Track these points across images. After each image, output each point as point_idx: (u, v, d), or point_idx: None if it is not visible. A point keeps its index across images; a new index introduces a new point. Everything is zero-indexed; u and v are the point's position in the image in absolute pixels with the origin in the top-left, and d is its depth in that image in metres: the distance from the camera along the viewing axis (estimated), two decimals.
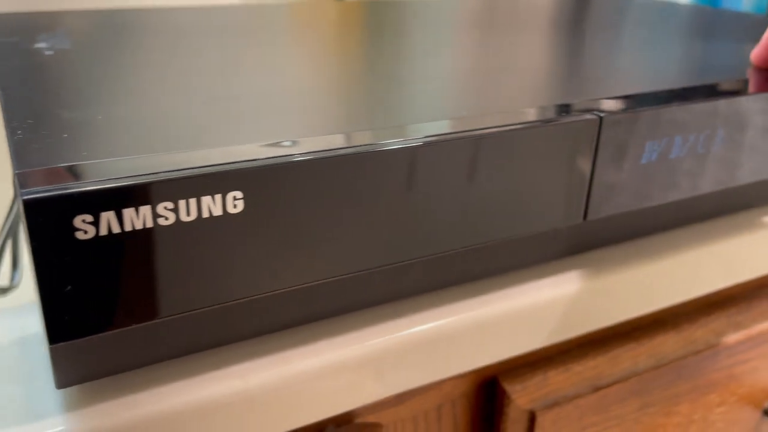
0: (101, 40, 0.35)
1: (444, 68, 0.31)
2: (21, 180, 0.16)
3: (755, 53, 0.33)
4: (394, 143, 0.20)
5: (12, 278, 0.25)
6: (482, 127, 0.22)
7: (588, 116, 0.23)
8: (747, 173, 0.30)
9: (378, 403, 0.28)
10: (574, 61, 0.33)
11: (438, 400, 0.30)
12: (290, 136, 0.20)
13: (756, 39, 0.40)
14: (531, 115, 0.23)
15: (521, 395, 0.30)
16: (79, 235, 0.16)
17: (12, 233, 0.25)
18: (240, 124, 0.21)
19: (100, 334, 0.18)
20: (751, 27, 0.47)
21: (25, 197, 0.15)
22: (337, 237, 0.20)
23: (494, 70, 0.31)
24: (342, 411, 0.24)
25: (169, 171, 0.17)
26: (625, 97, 0.26)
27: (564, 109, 0.24)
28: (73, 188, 0.16)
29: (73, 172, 0.16)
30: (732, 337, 0.37)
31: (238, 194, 0.18)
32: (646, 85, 0.28)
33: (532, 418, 0.31)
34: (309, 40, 0.38)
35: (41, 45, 0.31)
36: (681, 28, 0.45)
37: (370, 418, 0.28)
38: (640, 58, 0.35)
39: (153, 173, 0.16)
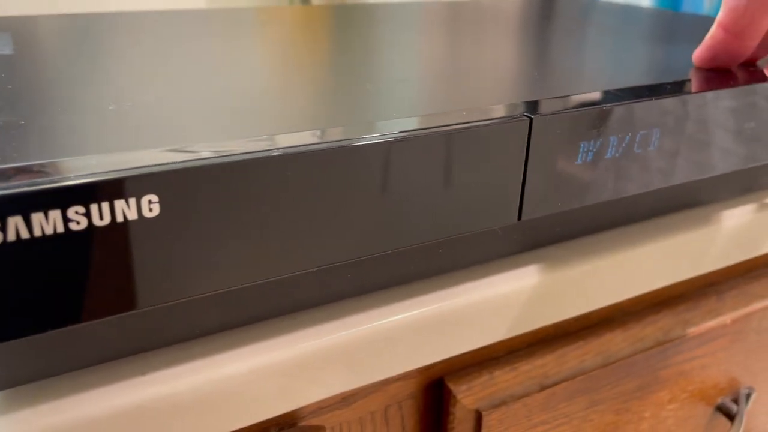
0: (47, 45, 0.35)
1: (390, 72, 0.31)
2: None
3: (696, 54, 0.34)
4: (318, 144, 0.20)
5: None
6: (412, 129, 0.22)
7: (518, 118, 0.24)
8: (686, 172, 0.30)
9: (323, 405, 0.28)
10: (521, 64, 0.34)
11: (384, 402, 0.30)
12: (215, 139, 0.20)
13: None
14: (462, 116, 0.23)
15: (467, 395, 0.30)
16: None
17: None
18: (166, 128, 0.21)
19: (15, 341, 0.18)
20: (706, 30, 0.48)
21: None
22: (261, 240, 0.20)
23: (435, 72, 0.31)
24: (276, 414, 0.24)
25: (78, 175, 0.17)
26: (558, 98, 0.26)
27: (495, 110, 0.24)
28: None
29: None
30: (680, 335, 0.37)
31: (154, 198, 0.18)
32: (588, 86, 0.28)
33: (478, 418, 0.31)
34: (265, 44, 0.38)
35: None
36: (636, 30, 0.46)
37: (314, 421, 0.28)
38: (589, 60, 0.36)
39: (62, 177, 0.16)
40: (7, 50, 0.32)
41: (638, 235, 0.32)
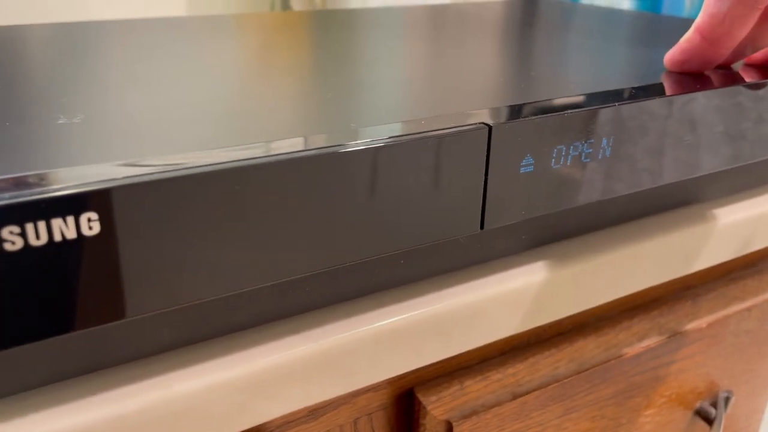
0: (12, 55, 0.35)
1: (358, 78, 0.31)
2: None
3: (668, 56, 0.33)
4: (266, 158, 0.20)
5: None
6: (367, 139, 0.21)
7: (477, 126, 0.23)
8: (655, 177, 0.30)
9: (290, 419, 0.28)
10: (495, 70, 0.33)
11: (354, 414, 0.30)
12: (166, 153, 0.19)
13: None
14: (420, 126, 0.23)
15: (437, 406, 0.30)
16: None
17: None
18: (114, 142, 0.21)
19: None
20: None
21: None
22: (211, 256, 0.20)
23: (405, 79, 0.31)
24: (237, 431, 0.23)
25: (13, 194, 0.16)
26: (519, 106, 0.25)
27: (455, 119, 0.24)
28: None
29: None
30: (655, 340, 0.37)
31: (93, 216, 0.17)
32: (557, 92, 0.28)
33: (449, 429, 0.30)
34: (241, 52, 0.37)
35: None
36: (615, 34, 0.46)
37: None
38: (564, 65, 0.35)
39: None
40: None
41: (609, 240, 0.31)
